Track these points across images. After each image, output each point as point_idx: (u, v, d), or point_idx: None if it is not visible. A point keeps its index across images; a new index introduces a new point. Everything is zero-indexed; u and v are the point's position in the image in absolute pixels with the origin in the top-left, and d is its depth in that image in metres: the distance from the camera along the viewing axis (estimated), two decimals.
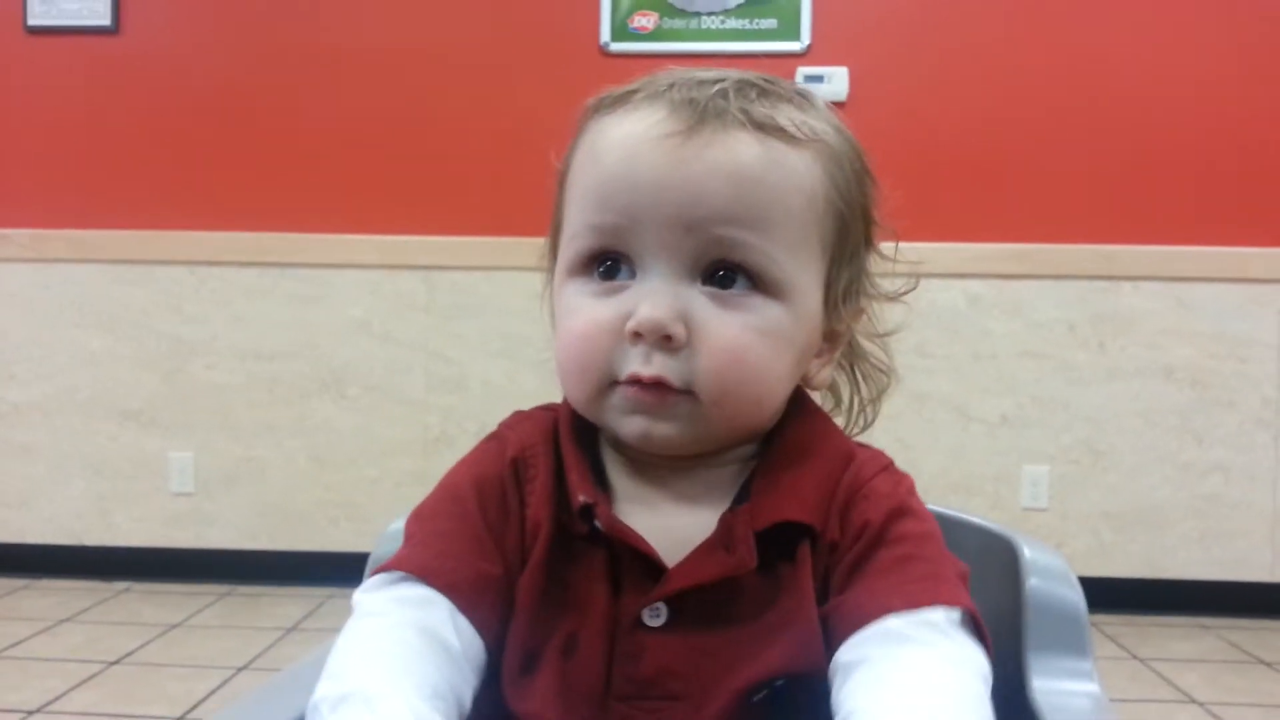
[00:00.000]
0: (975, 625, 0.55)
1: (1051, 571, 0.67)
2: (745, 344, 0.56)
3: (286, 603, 2.52)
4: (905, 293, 0.67)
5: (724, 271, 0.57)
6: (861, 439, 0.66)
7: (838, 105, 2.77)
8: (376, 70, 2.67)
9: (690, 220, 0.55)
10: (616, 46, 2.62)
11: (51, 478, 2.74)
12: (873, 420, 0.68)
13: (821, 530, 0.58)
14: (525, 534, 0.60)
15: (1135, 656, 2.24)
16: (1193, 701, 1.99)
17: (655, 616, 0.56)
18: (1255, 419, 2.56)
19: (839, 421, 0.67)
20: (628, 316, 0.56)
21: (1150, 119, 2.56)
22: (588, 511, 0.58)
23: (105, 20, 2.69)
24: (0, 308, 2.73)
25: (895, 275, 0.66)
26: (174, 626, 2.35)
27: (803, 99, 0.61)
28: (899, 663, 0.51)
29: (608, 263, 0.58)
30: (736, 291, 0.57)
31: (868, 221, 0.63)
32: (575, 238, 0.59)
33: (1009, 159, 2.60)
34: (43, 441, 2.74)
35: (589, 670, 0.56)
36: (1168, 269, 2.55)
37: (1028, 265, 2.57)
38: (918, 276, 0.66)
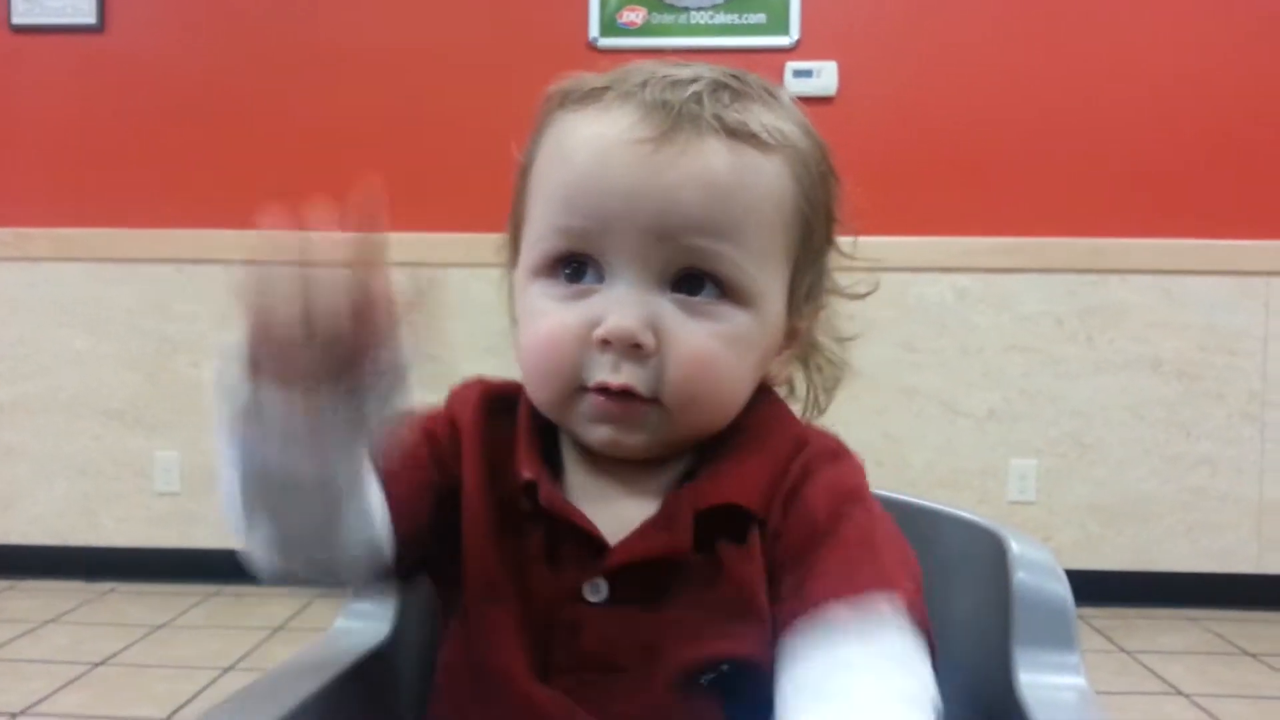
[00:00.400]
0: (918, 615, 0.53)
1: (1039, 566, 0.66)
2: (713, 353, 0.56)
3: (273, 602, 2.50)
4: (867, 294, 0.68)
5: (691, 278, 0.56)
6: (842, 433, 0.66)
7: (826, 101, 2.74)
8: (360, 66, 2.66)
9: (662, 229, 0.55)
10: (605, 42, 2.61)
11: (35, 478, 2.72)
12: (826, 408, 0.69)
13: (765, 517, 0.57)
14: (460, 495, 0.61)
15: (1122, 649, 2.25)
16: (1179, 693, 2.00)
17: (595, 592, 0.57)
18: (1242, 412, 2.57)
19: (795, 409, 0.67)
20: (595, 322, 0.56)
21: (1137, 113, 2.57)
22: (531, 489, 0.59)
23: (90, 19, 2.67)
24: None
25: (857, 270, 0.67)
26: (160, 627, 2.33)
27: (771, 97, 0.61)
28: (834, 660, 0.50)
29: (574, 265, 0.58)
30: (704, 299, 0.57)
31: (830, 221, 0.63)
32: (541, 239, 0.59)
33: (997, 153, 2.60)
34: (26, 441, 2.72)
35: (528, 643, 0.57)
36: (1156, 262, 2.56)
37: (1015, 259, 2.58)
38: (877, 272, 0.67)
